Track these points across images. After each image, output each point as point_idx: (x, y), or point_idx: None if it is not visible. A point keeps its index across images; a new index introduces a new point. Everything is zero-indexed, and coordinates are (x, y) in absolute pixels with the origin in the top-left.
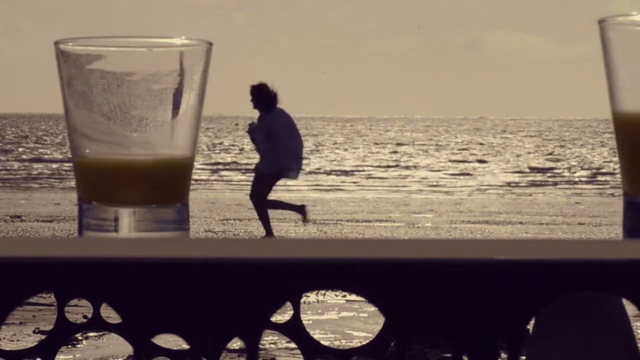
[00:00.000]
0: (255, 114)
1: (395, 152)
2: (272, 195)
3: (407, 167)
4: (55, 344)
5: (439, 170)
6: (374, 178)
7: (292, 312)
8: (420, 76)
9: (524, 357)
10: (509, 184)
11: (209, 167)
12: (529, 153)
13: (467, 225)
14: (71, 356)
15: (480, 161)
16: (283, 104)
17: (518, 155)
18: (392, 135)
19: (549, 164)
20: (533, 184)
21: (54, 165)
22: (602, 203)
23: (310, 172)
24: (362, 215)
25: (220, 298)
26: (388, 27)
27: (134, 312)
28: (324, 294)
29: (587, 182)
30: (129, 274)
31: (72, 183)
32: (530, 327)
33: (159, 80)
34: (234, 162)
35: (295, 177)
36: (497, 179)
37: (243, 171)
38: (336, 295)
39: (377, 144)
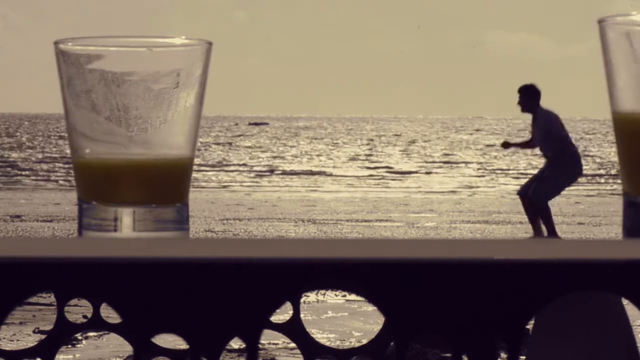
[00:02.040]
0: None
1: (395, 151)
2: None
3: (407, 167)
4: (55, 344)
5: (438, 170)
6: (374, 178)
7: (292, 312)
8: (420, 76)
9: (523, 357)
10: (508, 183)
11: (209, 167)
12: (529, 153)
13: (467, 225)
14: (71, 356)
15: (481, 161)
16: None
17: (518, 155)
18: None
19: None
20: None
21: (54, 165)
22: (602, 203)
23: (311, 173)
24: (362, 215)
25: (220, 298)
26: (388, 27)
27: (134, 312)
28: (324, 294)
29: (587, 182)
30: (129, 274)
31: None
32: (530, 327)
33: (159, 80)
34: (234, 162)
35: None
36: (497, 179)
37: (243, 171)
38: (336, 295)
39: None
